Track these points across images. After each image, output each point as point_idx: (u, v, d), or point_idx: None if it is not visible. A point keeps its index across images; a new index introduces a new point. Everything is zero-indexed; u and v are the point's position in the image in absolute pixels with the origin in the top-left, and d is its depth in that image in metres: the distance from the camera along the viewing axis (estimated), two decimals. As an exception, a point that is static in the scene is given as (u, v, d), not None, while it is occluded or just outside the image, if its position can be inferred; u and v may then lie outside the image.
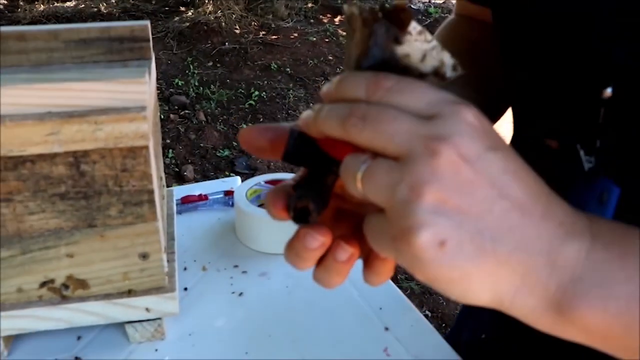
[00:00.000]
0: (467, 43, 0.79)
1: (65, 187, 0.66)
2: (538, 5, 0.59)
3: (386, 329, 0.80)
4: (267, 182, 1.03)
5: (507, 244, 0.35)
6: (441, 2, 6.84)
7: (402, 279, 2.60)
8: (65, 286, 0.72)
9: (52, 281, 0.72)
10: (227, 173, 3.44)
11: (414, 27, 0.39)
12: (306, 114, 0.41)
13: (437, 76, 0.40)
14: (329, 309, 0.84)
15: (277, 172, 3.47)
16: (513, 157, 0.37)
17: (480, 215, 0.35)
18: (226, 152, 3.65)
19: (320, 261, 0.43)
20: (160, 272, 0.73)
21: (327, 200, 0.42)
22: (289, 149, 0.42)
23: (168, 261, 0.78)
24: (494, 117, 0.77)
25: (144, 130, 0.62)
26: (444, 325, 2.44)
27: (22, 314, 0.72)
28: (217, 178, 3.35)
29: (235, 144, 3.76)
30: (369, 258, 0.44)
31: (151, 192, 0.68)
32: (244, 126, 3.92)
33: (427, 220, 0.34)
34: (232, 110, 4.15)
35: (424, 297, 2.57)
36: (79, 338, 0.78)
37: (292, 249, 0.42)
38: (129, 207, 0.68)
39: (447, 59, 0.40)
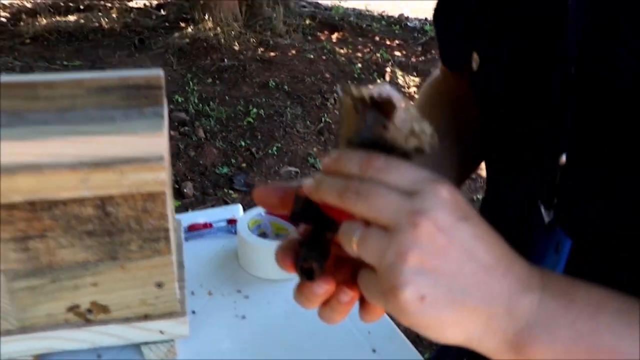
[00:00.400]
0: (451, 96, 0.87)
1: (92, 226, 0.75)
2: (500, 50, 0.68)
3: (374, 350, 0.89)
4: (267, 213, 1.12)
5: (475, 298, 0.44)
6: (437, 20, 6.93)
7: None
8: (89, 311, 0.81)
9: (77, 306, 0.81)
10: (225, 190, 3.53)
11: (398, 115, 0.49)
12: (309, 182, 0.51)
13: (418, 152, 0.50)
14: (323, 332, 0.93)
15: (274, 189, 3.55)
16: (481, 224, 0.46)
17: (453, 275, 0.43)
18: (225, 169, 3.74)
19: (325, 302, 0.53)
20: (174, 298, 0.82)
21: (329, 253, 0.52)
22: (295, 210, 0.52)
23: (179, 288, 0.87)
24: (474, 164, 0.86)
25: (163, 178, 0.71)
26: (432, 346, 2.52)
27: (51, 336, 0.81)
28: (216, 195, 3.44)
29: (233, 160, 3.85)
30: (363, 301, 0.53)
31: (167, 230, 0.77)
32: (243, 143, 4.03)
33: (410, 280, 0.42)
34: (231, 127, 4.24)
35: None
36: (98, 356, 0.87)
37: (301, 293, 0.52)
38: (147, 242, 0.77)
39: (427, 127, 0.50)
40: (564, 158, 0.62)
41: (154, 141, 0.71)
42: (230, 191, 3.52)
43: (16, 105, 0.87)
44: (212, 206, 3.31)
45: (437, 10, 0.81)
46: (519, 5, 0.64)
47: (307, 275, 0.50)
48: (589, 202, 0.61)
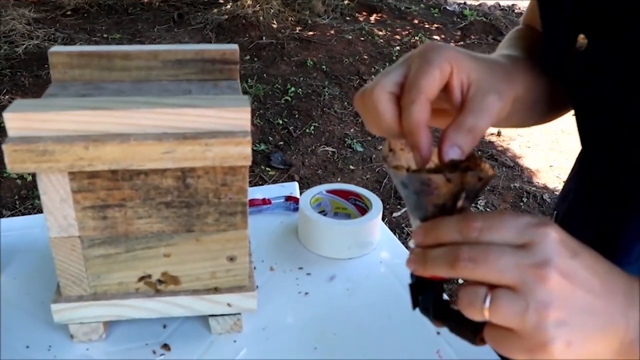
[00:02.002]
0: (532, 42, 0.83)
1: (171, 197, 0.76)
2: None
3: (438, 333, 0.89)
4: (328, 191, 1.13)
5: (602, 324, 0.48)
6: (477, 4, 6.87)
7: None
8: (160, 281, 0.82)
9: (149, 276, 0.82)
10: (262, 167, 3.53)
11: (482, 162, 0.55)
12: (410, 262, 0.54)
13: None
14: (386, 311, 0.93)
15: (311, 168, 3.56)
16: (586, 253, 0.49)
17: (584, 312, 0.47)
18: (262, 147, 3.75)
19: None
20: (244, 273, 0.83)
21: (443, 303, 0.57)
22: (415, 303, 0.58)
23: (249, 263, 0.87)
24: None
25: (247, 153, 0.71)
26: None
27: (121, 304, 0.82)
28: (253, 172, 3.45)
29: (271, 138, 3.85)
30: None
31: (245, 204, 0.77)
32: (280, 122, 4.03)
33: (556, 334, 0.46)
34: (269, 105, 4.25)
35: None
36: (164, 326, 0.88)
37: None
38: (224, 216, 0.78)
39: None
40: None
41: (240, 115, 0.71)
42: (267, 168, 3.53)
43: (92, 75, 0.88)
44: (250, 182, 3.32)
45: None
46: None
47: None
48: None
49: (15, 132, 0.69)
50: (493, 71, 0.59)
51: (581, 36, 0.66)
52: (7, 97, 4.00)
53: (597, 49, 0.65)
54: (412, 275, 0.57)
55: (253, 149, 3.75)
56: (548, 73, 0.73)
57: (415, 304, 0.58)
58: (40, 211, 0.99)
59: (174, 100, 0.73)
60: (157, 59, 0.89)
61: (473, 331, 0.52)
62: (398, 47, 5.41)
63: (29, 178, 3.21)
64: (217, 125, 0.71)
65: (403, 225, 3.09)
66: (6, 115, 0.68)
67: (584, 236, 0.52)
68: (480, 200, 3.48)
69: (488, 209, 3.41)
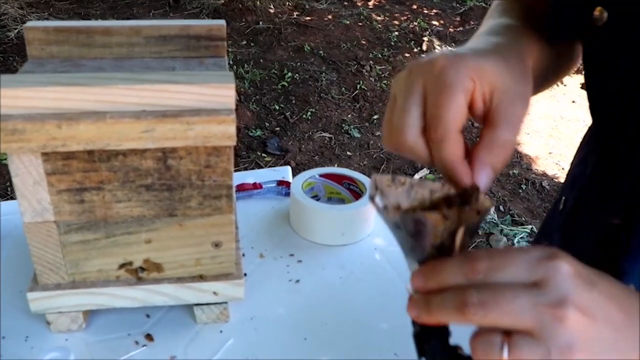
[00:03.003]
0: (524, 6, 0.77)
1: (151, 179, 0.71)
2: None
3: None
4: (321, 175, 1.08)
5: (626, 353, 0.45)
6: (476, -11, 6.80)
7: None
8: (142, 269, 0.78)
9: (130, 263, 0.78)
10: (258, 153, 3.49)
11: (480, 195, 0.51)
12: (412, 309, 0.49)
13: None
14: (380, 301, 0.89)
15: (308, 154, 3.52)
16: (600, 281, 0.46)
17: (605, 349, 0.44)
18: (258, 132, 3.70)
19: None
20: (230, 259, 0.79)
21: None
22: (421, 353, 0.53)
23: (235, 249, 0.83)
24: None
25: (231, 132, 0.67)
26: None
27: (101, 292, 0.78)
28: (249, 157, 3.41)
29: (267, 124, 3.81)
30: None
31: (230, 187, 0.73)
32: (277, 107, 3.98)
33: None
34: (265, 90, 4.20)
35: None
36: (147, 316, 0.84)
37: None
38: (208, 199, 0.73)
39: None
40: None
41: (224, 92, 0.66)
42: (264, 154, 3.49)
43: (70, 52, 0.84)
44: (245, 169, 3.29)
45: None
46: None
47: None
48: None
49: (-17, 109, 0.64)
50: (511, 69, 0.55)
51: (598, 9, 0.62)
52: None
53: (617, 23, 0.61)
54: (415, 323, 0.52)
55: (249, 135, 3.74)
56: (550, 41, 0.70)
57: (420, 354, 0.53)
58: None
59: (154, 76, 0.68)
60: (140, 35, 0.84)
61: None
62: (396, 33, 5.34)
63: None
64: (200, 103, 0.67)
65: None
66: (-27, 91, 0.63)
67: (600, 220, 0.48)
68: (479, 187, 3.44)
69: (486, 196, 3.37)
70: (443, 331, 0.51)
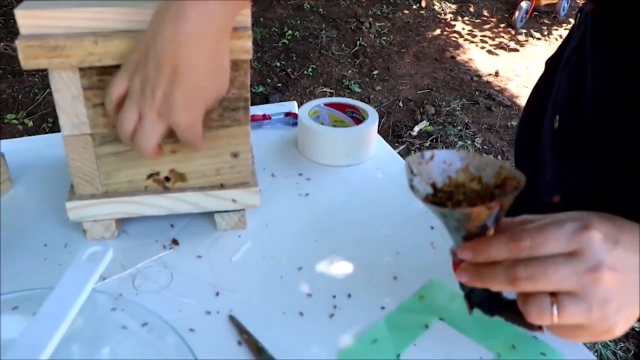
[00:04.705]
0: None
1: (176, 93, 0.79)
2: None
3: (432, 227, 0.94)
4: (326, 104, 1.17)
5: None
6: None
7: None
8: (167, 178, 0.87)
9: (157, 174, 0.86)
10: (261, 108, 3.55)
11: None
12: (463, 274, 0.61)
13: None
14: (383, 210, 0.98)
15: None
16: (627, 234, 0.56)
17: (633, 290, 0.55)
18: (260, 89, 3.77)
19: None
20: (247, 169, 0.87)
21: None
22: (472, 305, 0.65)
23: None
24: None
25: (248, 46, 0.75)
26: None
27: (132, 200, 0.86)
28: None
29: (269, 80, 3.87)
30: None
31: (247, 99, 0.81)
32: (278, 64, 4.04)
33: (617, 318, 0.55)
34: (266, 48, 4.25)
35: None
36: (172, 226, 0.93)
37: None
38: (227, 111, 0.82)
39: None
40: None
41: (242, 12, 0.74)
42: (266, 110, 3.56)
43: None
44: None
45: None
46: None
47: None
48: None
49: (26, 29, 0.72)
50: None
51: None
52: (2, 44, 4.00)
53: None
54: (462, 285, 0.63)
55: (252, 91, 3.79)
56: None
57: (472, 306, 0.64)
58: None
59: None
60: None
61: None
62: (395, -10, 5.38)
63: (30, 124, 3.24)
64: (219, 20, 0.75)
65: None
66: (17, 12, 0.71)
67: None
68: (478, 139, 3.52)
69: (485, 147, 3.45)
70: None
